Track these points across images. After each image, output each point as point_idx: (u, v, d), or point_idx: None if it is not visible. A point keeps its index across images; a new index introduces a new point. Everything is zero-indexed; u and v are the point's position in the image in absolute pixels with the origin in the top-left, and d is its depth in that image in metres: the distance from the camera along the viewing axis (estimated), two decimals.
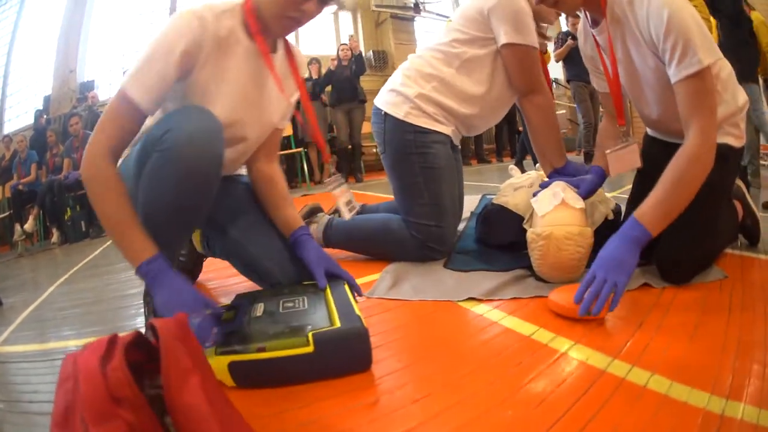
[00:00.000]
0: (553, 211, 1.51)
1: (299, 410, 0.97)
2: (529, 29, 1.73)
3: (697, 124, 1.29)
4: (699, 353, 1.04)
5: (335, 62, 6.48)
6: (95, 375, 0.65)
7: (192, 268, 1.99)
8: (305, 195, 5.32)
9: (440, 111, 1.86)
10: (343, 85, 6.38)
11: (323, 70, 6.61)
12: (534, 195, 1.61)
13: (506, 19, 1.72)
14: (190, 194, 1.17)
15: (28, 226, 5.67)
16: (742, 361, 0.99)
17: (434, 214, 1.84)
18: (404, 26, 9.21)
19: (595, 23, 1.53)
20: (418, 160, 1.84)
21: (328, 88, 6.66)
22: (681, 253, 1.42)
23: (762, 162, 3.97)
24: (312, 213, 2.17)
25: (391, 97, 1.92)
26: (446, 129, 1.88)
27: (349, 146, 6.61)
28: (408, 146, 1.85)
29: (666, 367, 0.99)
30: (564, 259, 1.47)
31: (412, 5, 9.04)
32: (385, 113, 1.90)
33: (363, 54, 6.98)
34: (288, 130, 6.37)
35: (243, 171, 1.64)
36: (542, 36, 1.88)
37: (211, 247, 1.64)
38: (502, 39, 1.74)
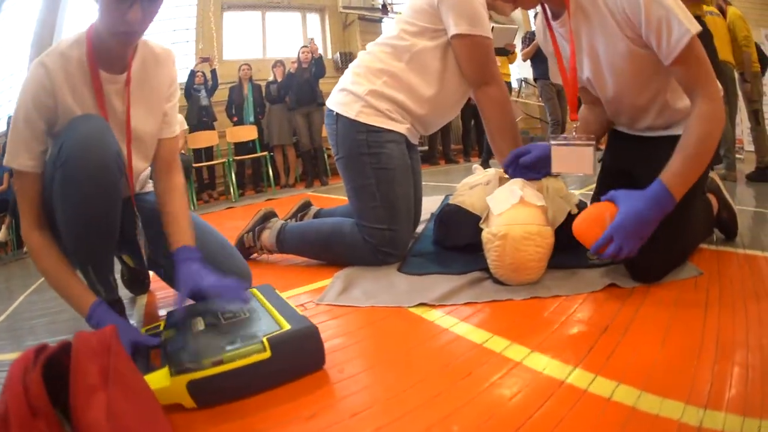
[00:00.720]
0: (510, 209, 1.43)
1: (232, 423, 0.93)
2: (480, 19, 1.68)
3: (702, 91, 1.27)
4: (672, 358, 0.97)
5: (295, 65, 6.40)
6: (16, 385, 0.68)
7: (141, 281, 1.94)
8: (269, 200, 5.26)
9: (393, 107, 1.79)
10: (302, 88, 6.29)
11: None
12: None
13: (456, 8, 1.67)
14: (98, 197, 1.18)
15: (1, 235, 5.67)
16: (722, 365, 0.92)
17: (387, 217, 1.77)
18: (372, 27, 9.11)
19: (555, 15, 1.47)
20: (371, 160, 1.77)
21: None
22: (651, 249, 1.34)
23: (738, 155, 3.99)
24: (266, 218, 2.12)
25: (342, 96, 1.85)
26: (401, 127, 1.81)
27: (312, 149, 6.50)
28: (360, 146, 1.77)
29: (634, 375, 0.91)
30: (522, 259, 1.39)
31: (380, 6, 8.97)
32: (337, 114, 1.83)
33: (330, 56, 6.93)
34: (253, 134, 6.26)
35: (149, 188, 1.63)
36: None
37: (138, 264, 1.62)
38: (452, 30, 1.69)
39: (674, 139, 1.30)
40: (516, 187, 1.47)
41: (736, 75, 3.91)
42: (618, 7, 1.28)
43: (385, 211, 1.76)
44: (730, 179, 3.51)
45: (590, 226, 1.32)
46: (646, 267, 1.37)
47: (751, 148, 4.23)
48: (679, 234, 1.41)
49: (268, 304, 1.19)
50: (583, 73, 1.50)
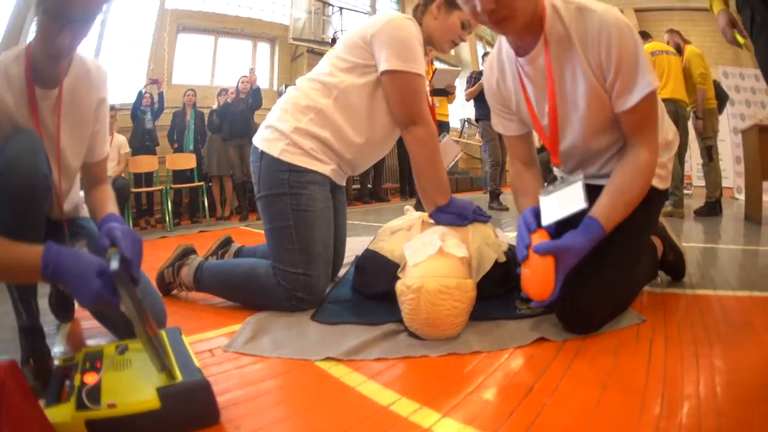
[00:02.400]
0: (426, 260, 1.36)
1: None
2: (413, 55, 1.65)
3: (645, 141, 1.31)
4: (609, 420, 0.89)
5: (233, 95, 6.30)
6: None
7: (67, 307, 1.82)
8: (202, 231, 5.09)
9: (319, 146, 1.73)
10: (236, 119, 6.16)
11: None
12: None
13: (389, 44, 1.64)
14: (21, 217, 1.17)
15: None
16: (669, 422, 0.85)
17: (303, 262, 1.69)
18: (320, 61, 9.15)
19: (522, 52, 1.39)
20: (292, 201, 1.70)
21: None
22: (590, 300, 1.28)
23: (686, 191, 4.11)
24: (185, 254, 2.03)
25: (267, 133, 1.79)
26: (325, 168, 1.75)
27: (245, 182, 6.30)
28: (281, 186, 1.71)
29: None
30: (438, 315, 1.30)
31: (330, 40, 9.01)
32: (261, 151, 1.76)
33: (276, 87, 6.82)
34: (191, 163, 6.10)
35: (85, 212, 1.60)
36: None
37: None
38: (383, 65, 1.65)
39: None
40: (436, 236, 1.40)
41: (690, 113, 4.05)
42: (593, 49, 1.26)
43: (302, 255, 1.69)
44: (677, 216, 3.59)
45: (544, 285, 1.26)
46: (581, 317, 1.30)
47: (700, 183, 4.36)
48: (619, 279, 1.35)
49: (169, 351, 1.13)
50: (543, 118, 1.43)
